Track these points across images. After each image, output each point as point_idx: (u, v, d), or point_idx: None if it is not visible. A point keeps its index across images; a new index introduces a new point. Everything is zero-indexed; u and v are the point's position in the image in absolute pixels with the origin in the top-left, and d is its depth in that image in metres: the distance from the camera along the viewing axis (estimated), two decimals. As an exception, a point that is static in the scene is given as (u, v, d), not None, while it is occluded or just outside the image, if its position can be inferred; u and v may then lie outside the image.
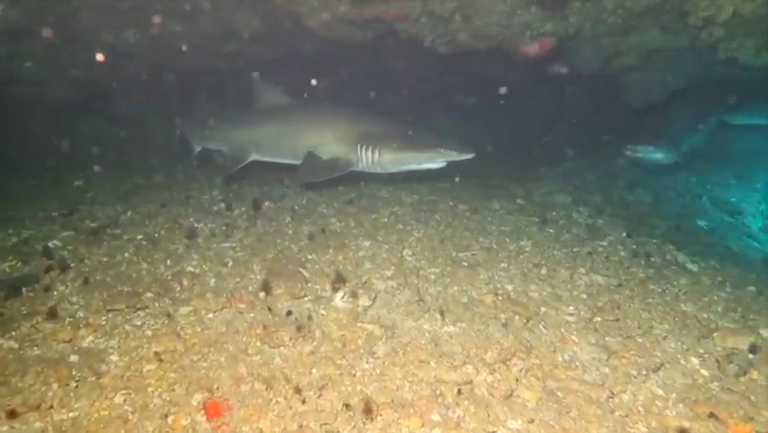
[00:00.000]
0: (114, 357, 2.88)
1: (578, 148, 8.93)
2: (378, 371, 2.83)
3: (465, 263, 4.16)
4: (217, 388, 2.64)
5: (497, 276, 4.01)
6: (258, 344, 2.99)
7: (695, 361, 3.12)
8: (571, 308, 3.62)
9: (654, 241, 5.29)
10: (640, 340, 3.30)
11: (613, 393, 2.82)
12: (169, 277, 3.73)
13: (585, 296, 3.81)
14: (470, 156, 5.35)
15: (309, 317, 3.22)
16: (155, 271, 3.88)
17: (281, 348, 2.95)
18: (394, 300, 3.51)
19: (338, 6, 5.90)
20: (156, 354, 2.89)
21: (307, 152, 5.51)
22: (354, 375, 2.76)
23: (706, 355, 3.17)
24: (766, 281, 4.93)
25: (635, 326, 3.47)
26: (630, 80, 7.07)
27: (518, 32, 5.99)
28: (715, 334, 3.40)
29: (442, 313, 3.37)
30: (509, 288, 3.84)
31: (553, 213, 5.80)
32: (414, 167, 5.42)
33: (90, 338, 3.05)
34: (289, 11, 6.15)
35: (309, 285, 3.61)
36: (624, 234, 5.30)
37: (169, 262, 4.02)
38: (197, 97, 7.06)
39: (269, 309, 3.30)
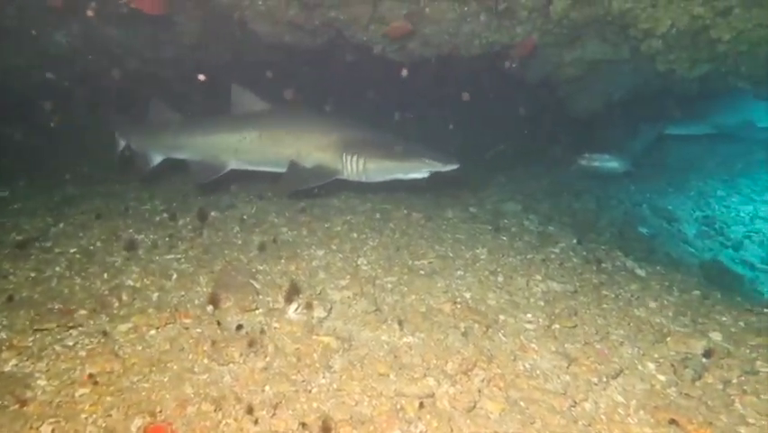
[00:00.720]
0: (42, 382, 2.60)
1: (526, 157, 9.10)
2: (335, 386, 2.67)
3: (422, 272, 4.07)
4: (160, 411, 2.41)
5: (454, 284, 3.94)
6: (205, 361, 2.77)
7: (652, 366, 3.13)
8: (529, 315, 3.59)
9: (603, 247, 5.39)
10: (598, 346, 3.29)
11: (575, 402, 2.78)
12: (106, 292, 3.45)
13: (542, 303, 3.79)
14: (454, 167, 5.32)
15: (262, 331, 3.03)
16: (90, 286, 3.58)
17: (231, 365, 2.74)
18: (350, 311, 3.37)
19: (286, 11, 5.76)
20: (90, 376, 2.62)
21: (290, 160, 5.32)
22: (310, 391, 2.60)
23: (661, 360, 3.19)
24: (708, 286, 5.12)
25: (592, 332, 3.46)
26: (574, 91, 7.25)
27: (467, 40, 6.03)
28: (668, 338, 3.44)
29: (400, 323, 3.25)
30: (467, 296, 3.78)
31: (505, 221, 5.83)
32: (399, 176, 5.37)
33: (14, 362, 2.74)
34: (234, 15, 5.95)
35: (261, 297, 3.42)
36: (574, 241, 5.37)
37: (105, 276, 3.72)
38: (153, 104, 6.25)
39: (218, 324, 3.08)
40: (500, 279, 4.12)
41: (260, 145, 5.45)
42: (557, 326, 3.49)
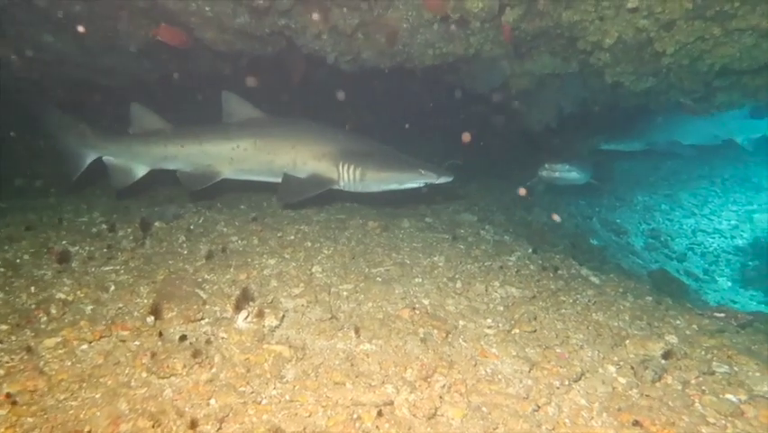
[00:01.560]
0: (-49, 404, 2.29)
1: (481, 170, 9.16)
2: (287, 397, 2.48)
3: (379, 279, 3.93)
4: (89, 430, 2.16)
5: (412, 291, 3.82)
6: (144, 375, 2.52)
7: (612, 369, 3.08)
8: (489, 320, 3.50)
9: (558, 256, 5.42)
10: (559, 350, 3.23)
11: (538, 406, 2.68)
12: (33, 306, 3.14)
13: (502, 308, 3.72)
14: (448, 180, 5.42)
15: (207, 342, 2.80)
16: (14, 300, 3.25)
17: (173, 378, 2.51)
18: (304, 319, 3.19)
19: (234, 18, 5.59)
20: (8, 396, 2.34)
21: (285, 169, 5.23)
22: (260, 403, 2.40)
23: (621, 363, 3.15)
24: (659, 292, 5.22)
25: (552, 336, 3.40)
26: (526, 104, 7.36)
27: (421, 50, 6.02)
28: (627, 341, 3.41)
29: (356, 330, 3.09)
30: (426, 302, 3.66)
31: (462, 231, 5.80)
32: (394, 187, 5.38)
33: None
34: (181, 22, 5.73)
35: (207, 307, 3.19)
36: (530, 250, 5.38)
37: (33, 289, 3.39)
38: (135, 109, 5.64)
39: (160, 335, 2.84)
40: (459, 285, 4.03)
41: (255, 154, 5.31)
42: (517, 330, 3.42)
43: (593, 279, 4.92)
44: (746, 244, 10.40)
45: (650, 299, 4.49)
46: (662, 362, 3.11)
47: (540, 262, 5.01)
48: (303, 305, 3.33)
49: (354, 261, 4.24)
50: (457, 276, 4.23)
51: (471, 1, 5.04)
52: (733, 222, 11.12)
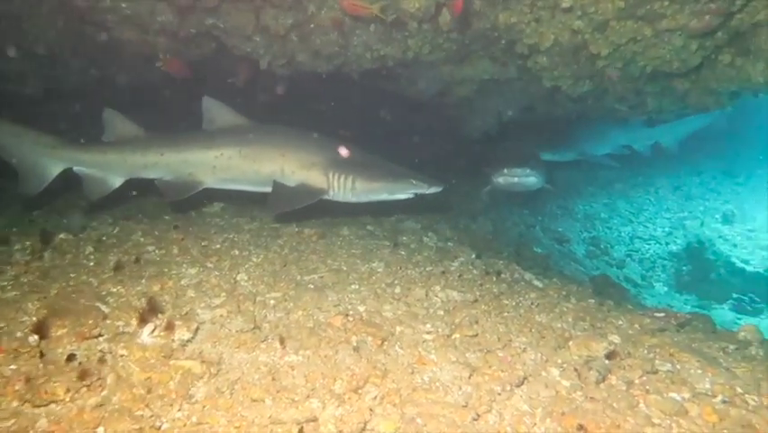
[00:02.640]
0: None
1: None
2: (194, 419, 2.15)
3: (311, 286, 3.64)
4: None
5: (347, 298, 3.55)
6: (14, 404, 2.13)
7: (556, 372, 2.91)
8: (428, 325, 3.27)
9: (502, 262, 5.30)
10: (501, 354, 3.03)
11: (478, 414, 2.46)
12: None
13: (442, 312, 3.51)
14: (438, 189, 5.35)
15: (101, 360, 2.43)
16: None
17: (52, 405, 2.13)
18: (222, 331, 2.86)
19: (155, 16, 5.23)
20: None
21: (273, 179, 4.98)
22: (159, 429, 2.06)
23: (565, 365, 2.98)
24: (601, 295, 5.18)
25: (494, 340, 3.20)
26: (465, 110, 7.31)
27: (359, 53, 5.84)
28: (570, 343, 3.26)
29: (282, 341, 2.79)
30: (361, 309, 3.40)
31: (404, 238, 5.60)
32: (385, 197, 5.28)
33: None
34: (95, 21, 5.32)
35: (108, 321, 2.80)
36: (473, 256, 5.23)
37: None
38: (108, 115, 5.20)
39: (41, 356, 2.43)
40: (398, 290, 3.80)
41: (240, 162, 5.04)
42: (458, 335, 3.20)
43: (536, 282, 4.81)
44: (680, 249, 10.74)
45: (592, 301, 4.41)
46: (606, 362, 2.97)
47: (483, 267, 4.87)
48: (222, 315, 3.00)
49: (285, 268, 3.94)
50: (396, 282, 4.00)
51: (408, 1, 4.91)
52: (667, 229, 11.50)
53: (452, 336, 3.19)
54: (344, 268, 4.17)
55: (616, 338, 3.38)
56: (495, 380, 2.70)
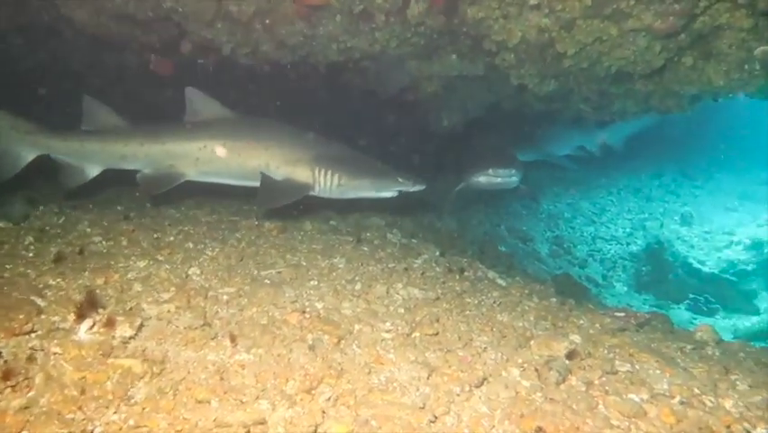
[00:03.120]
0: None
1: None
2: (132, 422, 2.00)
3: (268, 282, 3.50)
4: None
5: (305, 294, 3.42)
6: (-72, 405, 1.94)
7: (516, 372, 2.85)
8: (388, 323, 3.18)
9: (465, 260, 5.26)
10: (461, 354, 2.96)
11: (435, 416, 2.38)
12: None
13: (403, 310, 3.42)
14: (422, 187, 5.43)
15: (30, 359, 2.24)
16: None
17: (-31, 408, 1.94)
18: (169, 328, 2.70)
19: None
20: None
21: (257, 173, 4.92)
22: (91, 433, 1.90)
23: (525, 365, 2.92)
24: (563, 294, 5.18)
25: (455, 339, 3.14)
26: (433, 107, 7.24)
27: (324, 44, 5.69)
28: (531, 342, 3.21)
29: (233, 338, 2.65)
30: (319, 306, 3.28)
31: (368, 234, 5.49)
32: (370, 194, 5.29)
33: None
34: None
35: (44, 316, 2.61)
36: (437, 253, 5.17)
37: None
38: (88, 103, 5.06)
39: (-38, 354, 2.24)
40: (358, 287, 3.69)
41: (222, 156, 4.97)
42: (418, 334, 3.12)
43: (499, 281, 4.78)
44: (640, 250, 10.97)
45: (554, 300, 4.40)
46: (567, 362, 2.93)
47: (447, 264, 4.81)
48: (170, 311, 2.84)
49: (242, 263, 3.79)
50: (357, 278, 3.90)
51: (375, -9, 4.80)
52: (628, 229, 11.73)
53: (412, 335, 3.10)
54: (304, 263, 4.04)
55: (577, 338, 3.36)
56: (454, 380, 2.62)
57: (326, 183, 5.04)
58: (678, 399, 2.57)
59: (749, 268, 10.05)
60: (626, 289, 10.00)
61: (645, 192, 13.50)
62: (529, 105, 7.30)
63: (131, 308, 2.82)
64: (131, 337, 2.53)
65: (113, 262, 3.40)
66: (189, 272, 3.42)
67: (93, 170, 5.03)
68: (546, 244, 10.79)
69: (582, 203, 12.39)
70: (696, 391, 2.67)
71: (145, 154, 4.97)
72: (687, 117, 7.65)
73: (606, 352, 3.17)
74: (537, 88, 6.02)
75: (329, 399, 2.33)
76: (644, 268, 10.44)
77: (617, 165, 13.01)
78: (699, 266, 10.13)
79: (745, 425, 2.36)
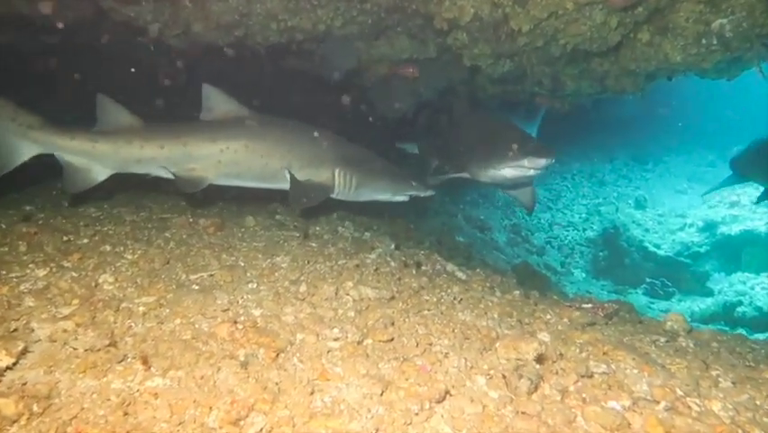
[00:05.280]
0: None
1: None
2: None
3: (197, 287, 3.04)
4: None
5: (241, 299, 2.99)
6: None
7: (482, 381, 2.49)
8: (336, 330, 2.78)
9: (423, 252, 4.92)
10: (419, 362, 2.59)
11: (391, 443, 2.01)
12: None
13: (353, 313, 3.03)
14: (432, 194, 5.50)
15: None
16: None
17: None
18: (63, 351, 2.21)
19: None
20: None
21: (280, 174, 4.82)
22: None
23: (492, 372, 2.57)
24: (524, 285, 4.92)
25: (412, 344, 2.77)
26: (383, 90, 6.85)
27: (262, 23, 5.20)
28: (497, 344, 2.86)
29: (145, 360, 2.20)
30: (256, 313, 2.85)
31: (317, 228, 5.07)
32: (385, 197, 5.28)
33: None
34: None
35: None
36: (392, 247, 4.81)
37: None
38: (102, 102, 4.65)
39: None
40: (303, 288, 3.27)
41: (246, 157, 4.76)
42: (370, 341, 2.74)
43: (459, 274, 4.46)
44: (597, 235, 10.96)
45: (518, 293, 4.12)
46: (537, 366, 2.60)
47: (403, 258, 4.44)
48: (67, 330, 2.35)
49: (168, 266, 3.30)
50: (303, 278, 3.48)
51: (313, -38, 4.36)
52: (584, 215, 11.72)
53: (364, 343, 2.72)
54: (242, 264, 3.59)
55: (546, 336, 3.05)
56: (412, 396, 2.25)
57: (345, 185, 5.01)
58: (663, 404, 2.28)
59: (702, 250, 10.17)
60: (584, 275, 9.94)
61: (599, 177, 13.57)
62: (483, 87, 7.02)
63: (14, 330, 2.31)
64: (7, 368, 2.04)
65: (4, 272, 2.85)
66: (100, 280, 2.92)
67: (102, 174, 4.60)
68: (504, 232, 10.62)
69: (538, 190, 12.28)
70: (679, 392, 2.40)
71: (165, 157, 4.61)
72: (635, 100, 7.55)
73: (578, 351, 2.87)
74: (491, 69, 5.72)
75: (261, 430, 1.91)
76: (601, 253, 10.43)
77: (568, 150, 12.97)
78: (654, 249, 10.18)
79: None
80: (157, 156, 4.64)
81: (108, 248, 3.45)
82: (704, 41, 4.74)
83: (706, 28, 4.65)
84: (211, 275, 3.28)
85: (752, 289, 8.61)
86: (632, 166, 14.55)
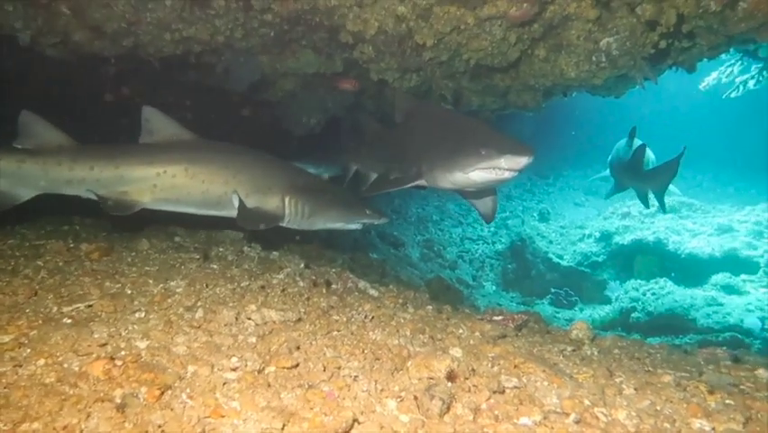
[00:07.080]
0: None
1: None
2: None
3: (69, 320, 2.66)
4: None
5: (124, 331, 2.64)
6: None
7: (392, 405, 2.33)
8: (234, 359, 2.52)
9: (335, 270, 4.73)
10: (326, 389, 2.39)
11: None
12: None
13: (254, 339, 2.77)
14: (385, 221, 5.45)
15: None
16: None
17: None
18: None
19: None
20: None
21: (223, 202, 4.58)
22: None
23: (403, 394, 2.42)
24: (437, 300, 4.88)
25: (319, 369, 2.56)
26: (290, 106, 6.67)
27: (155, 33, 4.87)
28: (409, 363, 2.72)
29: (-8, 414, 1.84)
30: (141, 345, 2.52)
31: (220, 249, 4.72)
32: (339, 226, 5.04)
33: None
34: None
35: None
36: (302, 266, 4.58)
37: None
38: (25, 118, 4.33)
39: None
40: (199, 314, 2.97)
41: (186, 182, 4.50)
42: (272, 368, 2.50)
43: (371, 291, 4.32)
44: (505, 248, 11.31)
45: (431, 308, 4.05)
46: (449, 385, 2.49)
47: (312, 277, 4.22)
48: None
49: (35, 299, 2.88)
50: (200, 303, 3.17)
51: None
52: (492, 229, 12.07)
53: (265, 371, 2.47)
54: (129, 291, 3.22)
55: (458, 352, 2.97)
56: (316, 427, 2.05)
57: (296, 213, 4.77)
58: (572, 416, 2.24)
59: (600, 259, 10.77)
60: (494, 288, 10.18)
61: (505, 191, 14.08)
62: (391, 102, 7.03)
63: None
64: None
65: None
66: (-56, 320, 2.47)
67: (25, 195, 4.38)
68: (417, 248, 10.69)
69: (449, 205, 12.54)
70: (586, 402, 2.38)
71: (94, 179, 4.36)
72: (535, 116, 7.90)
73: (490, 366, 2.80)
74: (398, 84, 5.72)
75: (135, 487, 1.63)
76: (509, 266, 10.74)
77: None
78: (557, 260, 10.64)
79: (645, 438, 2.09)
80: (87, 177, 4.39)
81: (-39, 281, 2.96)
82: (594, 58, 5.01)
83: (595, 45, 4.91)
84: (89, 306, 2.89)
85: (643, 295, 9.16)
86: (535, 180, 15.27)
